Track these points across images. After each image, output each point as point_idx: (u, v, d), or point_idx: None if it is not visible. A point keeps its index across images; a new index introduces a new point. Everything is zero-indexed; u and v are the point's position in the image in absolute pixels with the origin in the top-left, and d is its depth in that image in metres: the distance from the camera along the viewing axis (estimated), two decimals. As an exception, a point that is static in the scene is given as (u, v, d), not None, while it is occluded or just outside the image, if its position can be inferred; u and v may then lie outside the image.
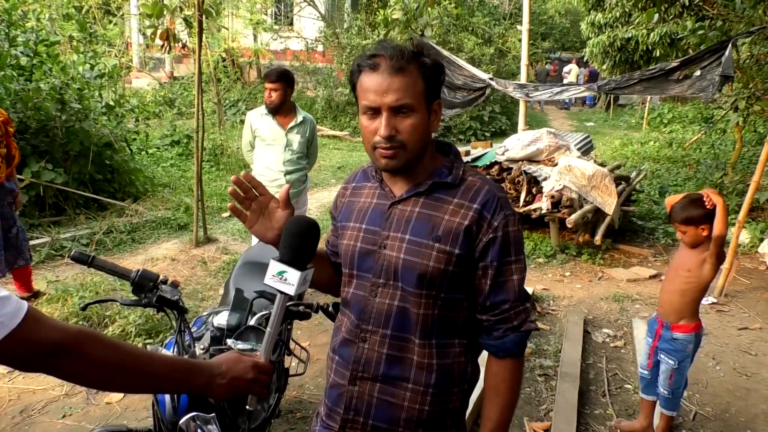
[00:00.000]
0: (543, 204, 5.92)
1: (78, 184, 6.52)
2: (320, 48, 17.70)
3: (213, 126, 11.00)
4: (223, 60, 14.03)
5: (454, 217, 1.37)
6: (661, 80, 5.20)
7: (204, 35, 6.24)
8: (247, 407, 1.34)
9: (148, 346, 3.17)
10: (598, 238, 5.81)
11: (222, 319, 2.10)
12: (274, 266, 1.29)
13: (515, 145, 6.57)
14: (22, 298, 1.01)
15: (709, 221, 2.68)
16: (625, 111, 19.86)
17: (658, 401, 3.02)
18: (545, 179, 6.06)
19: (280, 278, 1.29)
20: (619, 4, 9.26)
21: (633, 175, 7.48)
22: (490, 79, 6.57)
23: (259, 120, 4.36)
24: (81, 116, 6.57)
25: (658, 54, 8.50)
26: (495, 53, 17.20)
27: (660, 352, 2.94)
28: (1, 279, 4.35)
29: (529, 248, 6.19)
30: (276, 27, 17.63)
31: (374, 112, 1.34)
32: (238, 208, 1.42)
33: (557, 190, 5.88)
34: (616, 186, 6.20)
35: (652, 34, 8.43)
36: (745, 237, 6.26)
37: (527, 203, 6.13)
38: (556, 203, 5.93)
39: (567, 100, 21.06)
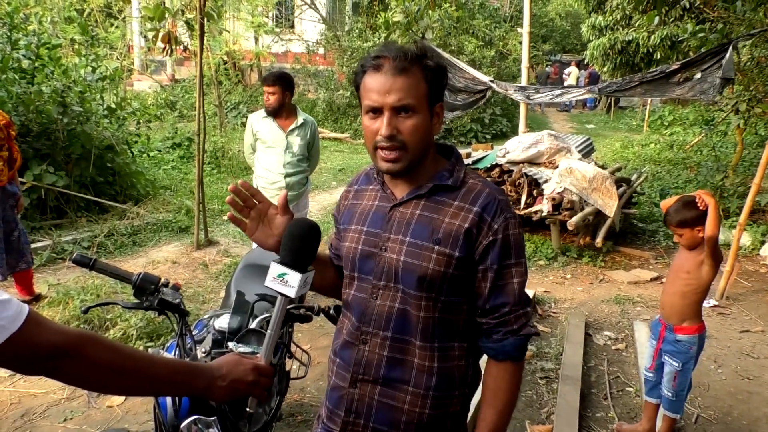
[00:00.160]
0: (544, 206, 5.92)
1: (79, 187, 6.53)
2: (321, 51, 17.71)
3: (214, 129, 11.01)
4: (225, 63, 14.04)
5: (455, 220, 1.37)
6: (661, 83, 5.20)
7: (205, 38, 6.25)
8: (248, 409, 1.34)
9: (149, 349, 3.16)
10: (599, 241, 5.81)
11: (223, 322, 2.10)
12: (275, 268, 1.29)
13: (516, 148, 6.57)
14: (24, 302, 1.01)
15: (704, 222, 2.70)
16: (626, 113, 19.85)
17: (660, 404, 3.01)
18: (546, 181, 6.06)
19: (281, 280, 1.29)
20: (620, 6, 9.27)
21: (634, 177, 7.48)
22: (491, 81, 6.57)
23: (259, 123, 4.37)
24: (82, 119, 6.58)
25: (658, 56, 8.50)
26: (496, 56, 17.20)
27: (664, 355, 2.94)
28: (3, 282, 4.35)
29: (530, 251, 6.19)
30: (277, 30, 17.64)
31: (376, 112, 1.34)
32: (238, 217, 1.42)
33: (558, 193, 5.88)
34: (617, 188, 6.20)
35: (652, 37, 8.43)
36: (746, 240, 6.26)
37: (528, 205, 6.12)
38: (557, 206, 5.92)
39: (568, 103, 21.06)
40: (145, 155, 9.26)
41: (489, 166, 6.63)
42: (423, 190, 1.41)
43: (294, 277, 1.28)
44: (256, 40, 16.84)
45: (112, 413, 3.19)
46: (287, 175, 4.35)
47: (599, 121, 19.42)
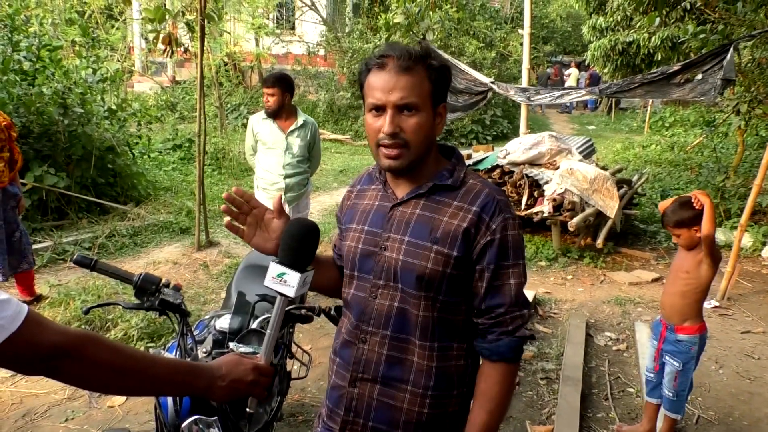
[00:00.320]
0: (545, 207, 5.92)
1: (80, 188, 6.54)
2: (322, 52, 17.72)
3: (215, 130, 11.02)
4: (225, 64, 14.05)
5: (453, 220, 1.37)
6: (662, 84, 5.21)
7: (206, 40, 6.26)
8: (248, 409, 1.34)
9: (150, 350, 3.17)
10: (599, 242, 5.81)
11: (224, 323, 2.10)
12: (274, 268, 1.30)
13: (517, 149, 6.57)
14: (25, 302, 1.01)
15: (701, 222, 2.72)
16: (627, 114, 19.85)
17: (661, 404, 3.01)
18: (547, 183, 6.06)
19: (280, 280, 1.29)
20: (621, 7, 9.27)
21: (635, 178, 7.48)
22: (492, 82, 6.58)
23: (260, 124, 4.38)
24: (83, 120, 6.59)
25: (659, 58, 8.50)
26: (496, 57, 17.20)
27: (665, 355, 2.94)
28: (4, 283, 4.35)
29: (531, 252, 6.19)
30: (278, 31, 17.64)
31: (380, 109, 1.35)
32: (235, 224, 1.43)
33: (559, 194, 5.88)
34: (618, 189, 6.20)
35: (653, 38, 8.43)
36: (747, 241, 6.25)
37: (529, 207, 6.12)
38: (557, 207, 5.92)
39: (568, 104, 21.06)
40: (145, 156, 9.27)
41: (490, 167, 6.63)
42: (423, 189, 1.42)
43: (293, 277, 1.29)
44: (257, 41, 16.86)
45: (113, 413, 3.19)
46: (287, 176, 4.35)
47: (600, 122, 19.43)
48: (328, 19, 17.59)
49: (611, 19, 9.69)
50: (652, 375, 3.04)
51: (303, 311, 2.05)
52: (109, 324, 3.96)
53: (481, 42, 16.78)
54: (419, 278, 1.37)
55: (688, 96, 5.15)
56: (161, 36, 5.57)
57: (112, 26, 14.23)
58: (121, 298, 4.35)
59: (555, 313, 4.81)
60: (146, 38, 12.78)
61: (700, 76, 4.99)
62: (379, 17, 11.80)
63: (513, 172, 6.40)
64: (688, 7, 7.33)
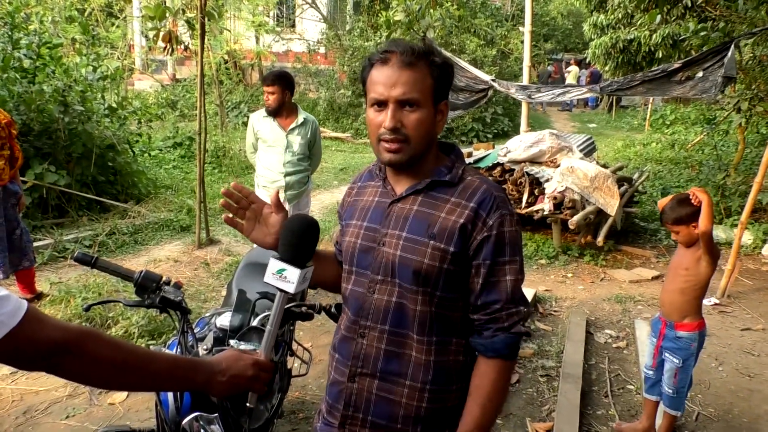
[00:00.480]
0: (545, 205, 5.92)
1: (81, 186, 6.54)
2: (322, 50, 17.71)
3: (215, 128, 11.02)
4: (226, 62, 14.05)
5: (450, 215, 1.38)
6: (663, 81, 5.20)
7: (206, 37, 6.26)
8: (248, 404, 1.35)
9: (151, 347, 3.18)
10: (600, 240, 5.81)
11: (225, 320, 2.11)
12: (274, 264, 1.30)
13: (517, 147, 6.57)
14: (25, 300, 1.01)
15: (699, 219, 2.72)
16: (628, 112, 19.83)
17: (661, 402, 3.02)
18: (547, 181, 6.06)
19: (280, 276, 1.30)
20: (622, 5, 9.26)
21: (635, 176, 7.48)
22: (493, 80, 6.58)
23: (260, 122, 4.38)
24: (84, 118, 6.59)
25: (660, 55, 8.49)
26: (497, 55, 17.19)
27: (664, 351, 2.95)
28: (5, 281, 4.36)
29: (532, 250, 6.19)
30: (278, 29, 17.64)
31: (381, 104, 1.35)
32: (234, 219, 1.45)
33: (559, 192, 5.88)
34: (619, 187, 6.19)
35: (654, 36, 8.42)
36: (747, 238, 6.25)
37: (530, 204, 6.12)
38: (558, 204, 5.92)
39: (569, 102, 21.04)
40: (146, 154, 9.28)
41: (490, 165, 6.63)
42: (421, 185, 1.42)
43: (293, 273, 1.29)
44: (257, 39, 16.85)
45: (113, 410, 3.20)
46: (287, 174, 4.35)
47: (601, 120, 19.41)
48: (328, 16, 17.57)
49: (612, 16, 9.69)
50: (650, 372, 3.04)
51: (304, 309, 2.05)
52: (110, 321, 3.97)
53: (481, 40, 16.77)
54: (416, 273, 1.37)
55: (688, 94, 5.15)
56: (161, 34, 5.57)
57: (113, 24, 14.23)
58: (122, 296, 4.35)
59: (555, 311, 4.81)
60: (146, 36, 12.76)
61: (700, 74, 4.98)
62: (379, 15, 11.77)
63: (514, 170, 6.39)
64: (689, 4, 7.32)
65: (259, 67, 16.42)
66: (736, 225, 5.56)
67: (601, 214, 6.04)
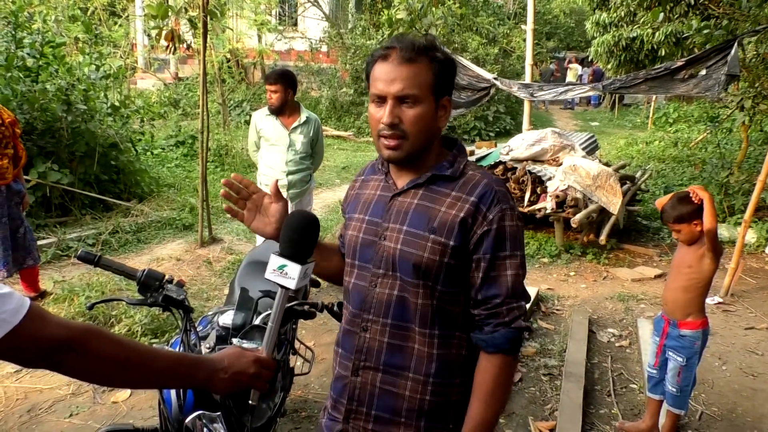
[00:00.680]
0: (547, 204, 5.91)
1: (84, 185, 6.55)
2: (324, 48, 17.71)
3: (218, 126, 11.03)
4: (228, 61, 14.06)
5: (451, 209, 1.38)
6: (666, 79, 5.19)
7: (208, 36, 6.26)
8: (250, 401, 1.35)
9: (154, 345, 3.18)
10: (602, 238, 5.80)
11: (227, 319, 2.11)
12: (275, 260, 1.31)
13: (520, 145, 6.56)
14: (30, 299, 1.01)
15: (700, 216, 2.73)
16: (630, 110, 19.78)
17: (664, 401, 3.01)
18: (550, 179, 6.05)
19: (281, 272, 1.30)
20: (624, 3, 9.23)
21: (638, 174, 7.47)
22: (495, 78, 6.57)
23: (263, 120, 4.38)
24: (87, 117, 6.60)
25: (663, 53, 8.47)
26: (499, 53, 17.17)
27: (668, 350, 2.94)
28: (8, 279, 4.37)
29: (534, 248, 6.19)
30: (280, 27, 17.65)
31: (381, 100, 1.36)
32: (234, 208, 1.47)
33: (562, 190, 5.87)
34: (621, 185, 6.19)
35: (657, 34, 8.40)
36: (751, 237, 6.24)
37: (532, 203, 6.12)
38: (560, 203, 5.92)
39: (571, 100, 21.01)
40: (149, 153, 9.29)
41: (492, 163, 6.62)
42: (422, 179, 1.43)
43: (294, 269, 1.29)
44: (260, 38, 16.85)
45: (117, 409, 3.21)
46: (289, 173, 4.35)
47: (603, 118, 19.36)
48: (330, 15, 17.57)
49: (615, 14, 9.65)
50: (654, 371, 3.04)
51: (306, 307, 2.05)
52: (113, 320, 3.98)
53: (484, 38, 16.75)
54: (416, 267, 1.38)
55: (692, 92, 5.14)
56: (164, 33, 5.57)
57: (115, 23, 14.24)
58: (125, 294, 4.36)
59: (558, 310, 4.81)
60: (149, 35, 12.80)
61: (704, 72, 4.97)
62: (381, 13, 11.76)
63: (516, 168, 6.39)
64: (692, 2, 7.30)
65: (261, 66, 16.43)
66: (739, 223, 5.54)
67: (603, 213, 6.04)
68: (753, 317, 4.70)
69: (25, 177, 5.15)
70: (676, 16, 7.95)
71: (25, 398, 3.29)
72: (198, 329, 2.05)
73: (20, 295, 0.98)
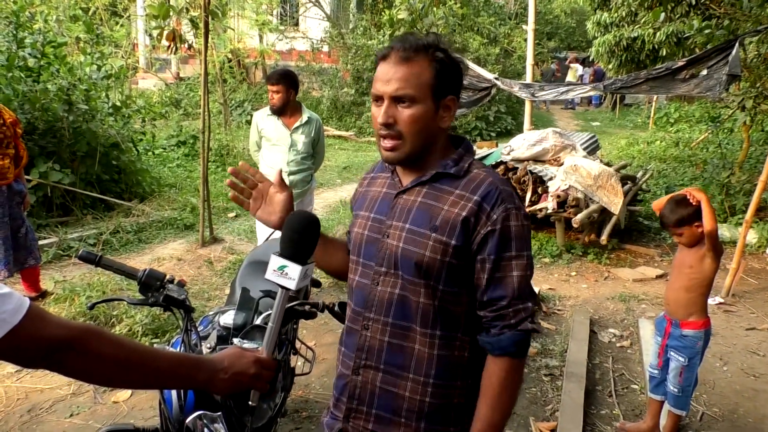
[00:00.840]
0: (549, 204, 5.91)
1: (85, 185, 6.56)
2: (326, 48, 17.72)
3: (219, 126, 11.03)
4: (229, 61, 14.06)
5: (453, 208, 1.36)
6: (667, 79, 5.18)
7: (210, 36, 6.26)
8: (250, 402, 1.35)
9: (155, 346, 3.18)
10: (604, 238, 5.79)
11: (228, 319, 2.11)
12: (275, 261, 1.31)
13: (521, 145, 6.55)
14: (31, 299, 1.01)
15: (701, 218, 2.73)
16: (632, 110, 19.75)
17: (666, 401, 3.01)
18: (551, 179, 6.04)
19: (281, 273, 1.30)
20: (625, 3, 9.21)
21: (639, 174, 7.46)
22: (496, 78, 6.57)
23: (264, 120, 4.38)
24: (88, 117, 6.61)
25: (664, 53, 8.46)
26: (500, 53, 17.15)
27: (670, 350, 2.94)
28: (9, 279, 4.37)
29: (535, 248, 6.18)
30: (281, 27, 17.66)
31: (379, 100, 1.36)
32: (239, 197, 1.48)
33: (563, 190, 5.86)
34: (623, 186, 6.18)
35: (658, 33, 8.38)
36: (752, 237, 6.23)
37: (533, 203, 6.11)
38: (561, 203, 5.91)
39: (572, 100, 20.98)
40: (150, 153, 9.29)
41: (493, 163, 6.62)
42: (426, 177, 1.42)
43: (294, 270, 1.29)
44: (261, 38, 16.87)
45: (117, 409, 3.21)
46: (291, 173, 4.35)
47: (604, 118, 19.34)
48: (331, 15, 17.57)
49: (616, 14, 9.64)
50: (655, 372, 3.03)
51: (307, 307, 2.05)
52: (114, 320, 3.98)
53: (485, 38, 16.75)
54: (418, 266, 1.36)
55: (693, 92, 5.13)
56: (165, 32, 5.57)
57: (117, 23, 14.26)
58: (126, 294, 4.36)
59: (559, 310, 4.80)
60: (150, 35, 12.83)
61: (705, 72, 4.96)
62: (382, 13, 11.76)
63: (517, 168, 6.38)
64: (694, 2, 7.28)
65: (262, 66, 16.44)
66: (740, 224, 5.53)
67: (604, 213, 6.03)
68: (754, 318, 4.69)
69: (27, 177, 5.16)
70: (677, 16, 7.94)
71: (25, 398, 3.29)
72: (199, 329, 2.05)
73: (20, 295, 0.98)
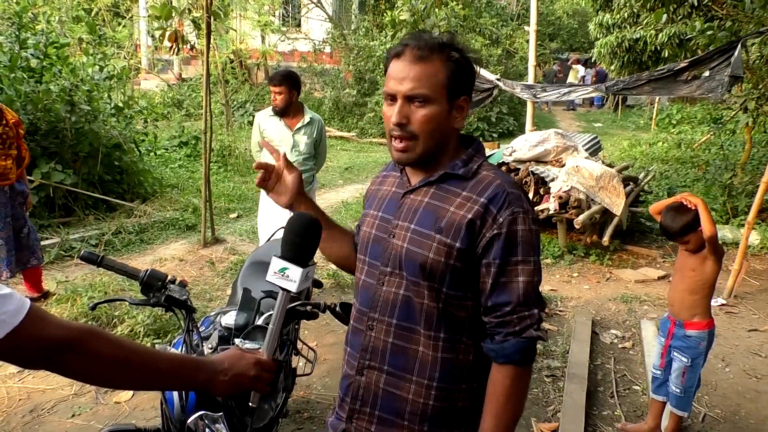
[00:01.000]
0: (551, 205, 5.90)
1: (87, 185, 6.57)
2: (328, 49, 17.72)
3: (221, 127, 11.05)
4: (231, 61, 14.08)
5: (460, 210, 1.34)
6: (669, 81, 5.17)
7: (212, 37, 6.27)
8: (250, 403, 1.35)
9: (156, 346, 3.19)
10: (606, 239, 5.79)
11: (230, 319, 2.11)
12: (276, 263, 1.30)
13: (523, 146, 6.55)
14: (33, 299, 1.01)
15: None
16: (634, 112, 19.74)
17: (668, 402, 3.00)
18: (553, 180, 6.04)
19: (282, 275, 1.30)
20: (628, 4, 9.21)
21: (641, 176, 7.45)
22: (498, 80, 6.56)
23: (266, 121, 4.39)
24: (90, 118, 6.62)
25: (666, 54, 8.44)
26: (502, 54, 17.14)
27: (673, 350, 2.94)
28: (12, 279, 4.38)
29: (537, 249, 6.17)
30: (284, 28, 17.66)
31: (393, 99, 1.34)
32: (265, 182, 1.55)
33: (565, 191, 5.86)
34: (625, 187, 6.17)
35: (660, 35, 8.37)
36: (754, 238, 6.22)
37: (535, 204, 6.11)
38: (563, 204, 5.91)
39: (575, 101, 20.96)
40: (152, 154, 9.30)
41: (495, 164, 6.61)
42: (433, 177, 1.40)
43: (295, 272, 1.29)
44: (263, 38, 16.89)
45: (119, 409, 3.21)
46: (293, 174, 4.35)
47: (606, 119, 19.33)
48: (333, 16, 17.58)
49: (618, 15, 9.63)
50: (658, 372, 3.03)
51: (308, 308, 2.05)
52: (116, 320, 3.98)
53: (487, 39, 16.73)
54: (422, 267, 1.35)
55: (695, 93, 5.12)
56: (167, 33, 5.59)
57: (119, 24, 14.29)
58: (128, 295, 4.36)
59: (561, 311, 4.80)
60: (153, 35, 12.83)
61: (707, 73, 4.95)
62: (384, 14, 11.77)
63: (519, 169, 6.38)
64: (696, 3, 7.27)
65: (264, 67, 16.44)
66: (743, 225, 5.52)
67: (606, 214, 6.02)
68: (756, 319, 4.68)
69: (29, 177, 5.17)
70: (679, 18, 7.93)
71: (27, 398, 3.29)
72: (200, 330, 2.06)
73: (20, 296, 0.98)
